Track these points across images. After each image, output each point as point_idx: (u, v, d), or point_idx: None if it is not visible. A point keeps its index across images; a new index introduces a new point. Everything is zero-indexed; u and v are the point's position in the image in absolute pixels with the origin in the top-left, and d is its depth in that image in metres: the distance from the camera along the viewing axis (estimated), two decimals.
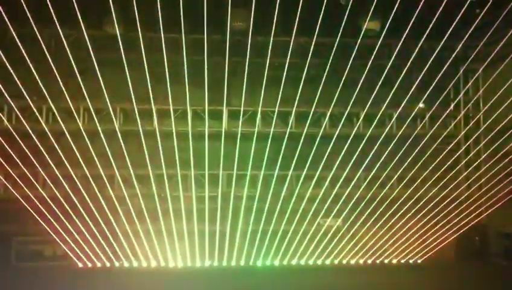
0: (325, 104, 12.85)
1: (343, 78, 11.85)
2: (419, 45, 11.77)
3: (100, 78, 11.13)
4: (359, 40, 11.67)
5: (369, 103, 12.73)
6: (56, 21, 10.08)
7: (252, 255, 13.36)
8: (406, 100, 12.69)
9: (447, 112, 14.01)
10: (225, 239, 13.19)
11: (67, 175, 11.98)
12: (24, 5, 9.50)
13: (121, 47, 10.99)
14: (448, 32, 11.19)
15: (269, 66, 11.87)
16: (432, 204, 12.98)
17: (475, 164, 13.77)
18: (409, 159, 12.74)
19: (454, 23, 10.99)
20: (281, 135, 12.80)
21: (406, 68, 12.05)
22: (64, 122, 11.83)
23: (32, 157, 11.41)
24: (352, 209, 13.09)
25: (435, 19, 10.78)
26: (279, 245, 13.32)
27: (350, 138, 12.63)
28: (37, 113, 11.94)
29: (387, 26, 11.43)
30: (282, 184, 13.13)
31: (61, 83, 11.00)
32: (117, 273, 12.54)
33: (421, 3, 10.51)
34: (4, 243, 12.74)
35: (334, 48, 11.54)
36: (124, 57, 10.97)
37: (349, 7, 10.89)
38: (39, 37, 10.52)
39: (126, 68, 11.09)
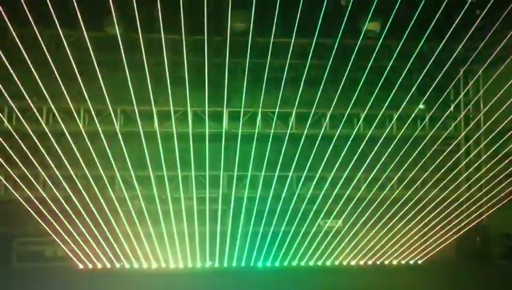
0: (326, 105, 12.89)
1: (344, 79, 11.87)
2: (419, 46, 11.78)
3: (100, 79, 11.13)
4: (359, 41, 11.68)
5: (369, 104, 12.74)
6: (56, 22, 10.09)
7: (253, 257, 13.35)
8: (406, 101, 12.71)
9: (447, 113, 14.01)
10: (226, 240, 13.18)
11: (68, 176, 11.97)
12: (24, 6, 9.50)
13: (122, 48, 10.99)
14: (448, 33, 11.20)
15: (269, 67, 11.87)
16: (432, 205, 12.97)
17: (475, 165, 13.77)
18: (409, 160, 12.74)
19: (454, 25, 11.01)
20: (282, 136, 12.80)
21: (406, 69, 12.08)
22: (64, 123, 11.82)
23: (32, 158, 11.42)
24: (352, 210, 13.08)
25: (435, 20, 10.80)
26: (279, 246, 13.31)
27: (350, 139, 12.64)
28: (37, 114, 11.93)
29: (387, 28, 11.46)
30: (282, 185, 13.12)
31: (61, 84, 11.00)
32: (118, 275, 12.53)
33: (421, 5, 10.54)
34: (5, 244, 12.73)
35: (335, 49, 11.55)
36: (124, 58, 10.96)
37: (349, 8, 10.93)
38: (39, 38, 10.51)
39: (126, 69, 11.08)
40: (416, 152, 12.80)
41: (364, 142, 12.63)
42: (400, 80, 12.06)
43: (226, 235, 13.16)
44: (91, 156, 11.69)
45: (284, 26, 11.40)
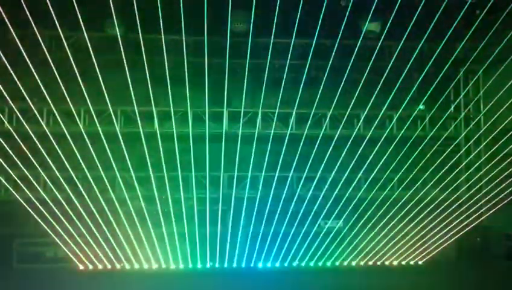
0: (326, 106, 12.89)
1: (344, 80, 11.86)
2: (420, 46, 11.79)
3: (101, 80, 11.14)
4: (359, 42, 11.69)
5: (369, 105, 12.74)
6: (57, 23, 10.10)
7: (253, 257, 13.34)
8: (406, 102, 12.71)
9: (447, 113, 14.02)
10: (226, 241, 13.18)
11: (68, 177, 11.98)
12: (25, 7, 9.51)
13: (122, 49, 11.00)
14: (448, 33, 11.20)
15: (269, 67, 11.90)
16: (432, 205, 12.97)
17: (475, 165, 13.76)
18: (410, 161, 12.74)
19: (454, 25, 11.01)
20: (282, 136, 12.80)
21: (406, 70, 12.08)
22: (65, 124, 11.83)
23: (33, 159, 11.42)
24: (353, 210, 13.08)
25: (435, 21, 10.80)
26: (280, 247, 13.32)
27: (350, 140, 12.64)
28: (37, 115, 11.94)
29: (387, 28, 11.47)
30: (282, 186, 13.12)
31: (61, 85, 11.01)
32: (118, 275, 12.53)
33: (421, 5, 10.55)
34: (5, 245, 12.75)
35: (335, 50, 11.55)
36: (124, 59, 10.97)
37: (349, 9, 10.93)
38: (40, 39, 10.52)
39: (127, 70, 11.10)
40: (416, 153, 12.80)
41: (364, 143, 12.63)
42: (400, 80, 12.05)
43: (226, 236, 13.16)
44: (91, 157, 11.69)
45: (284, 26, 11.39)
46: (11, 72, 10.38)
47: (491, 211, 13.13)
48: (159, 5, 10.20)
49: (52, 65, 10.73)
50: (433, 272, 13.13)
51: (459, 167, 13.80)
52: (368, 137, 12.82)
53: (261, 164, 12.77)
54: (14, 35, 10.24)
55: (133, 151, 12.39)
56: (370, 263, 13.76)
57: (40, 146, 11.41)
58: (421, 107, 13.72)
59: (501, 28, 11.22)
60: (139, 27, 10.71)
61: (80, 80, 11.12)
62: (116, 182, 12.54)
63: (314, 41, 11.45)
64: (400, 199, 12.97)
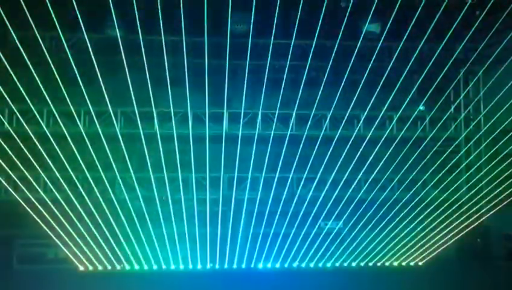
0: (326, 107, 12.88)
1: (344, 80, 11.86)
2: (420, 47, 11.79)
3: (101, 81, 11.15)
4: (359, 43, 11.69)
5: (369, 105, 12.74)
6: (57, 24, 10.10)
7: (253, 258, 13.35)
8: (406, 102, 12.71)
9: (448, 114, 14.02)
10: (227, 241, 13.19)
11: (69, 178, 11.99)
12: (25, 8, 9.52)
13: (122, 50, 11.00)
14: (449, 34, 11.20)
15: (269, 68, 11.90)
16: (433, 206, 12.97)
17: (476, 166, 13.76)
18: (410, 162, 12.74)
19: (454, 25, 11.01)
20: (282, 137, 12.79)
21: (406, 70, 12.08)
22: (65, 125, 11.84)
23: (33, 160, 11.43)
24: (353, 211, 13.08)
25: (435, 21, 10.80)
26: (280, 248, 13.32)
27: (351, 140, 12.64)
28: (37, 116, 11.95)
29: (387, 29, 11.46)
30: (283, 187, 13.12)
31: (62, 86, 11.02)
32: (118, 276, 12.53)
33: (421, 6, 10.55)
34: (6, 246, 12.76)
35: (335, 50, 11.55)
36: (124, 60, 10.98)
37: (349, 9, 10.94)
38: (40, 40, 10.52)
39: (127, 71, 11.10)
40: (416, 153, 12.80)
41: (364, 144, 12.62)
42: (400, 81, 12.06)
43: (226, 237, 13.16)
44: (91, 157, 11.70)
45: (284, 27, 11.40)
46: (11, 73, 10.39)
47: (491, 212, 13.12)
48: (159, 6, 10.21)
49: (52, 66, 10.73)
50: (433, 273, 13.12)
51: (459, 168, 13.78)
52: (368, 138, 12.81)
53: (261, 164, 12.76)
54: (14, 36, 10.24)
55: (133, 152, 12.39)
56: (370, 264, 13.75)
57: (40, 147, 11.41)
58: (421, 108, 13.71)
59: (501, 28, 11.22)
60: (139, 28, 10.72)
61: (80, 81, 11.12)
62: (116, 183, 12.55)
63: (314, 42, 11.45)
64: (400, 200, 12.97)
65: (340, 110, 12.92)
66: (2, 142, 11.07)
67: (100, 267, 12.76)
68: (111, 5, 10.17)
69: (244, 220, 13.20)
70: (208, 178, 12.88)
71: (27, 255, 12.99)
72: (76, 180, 12.09)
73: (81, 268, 12.71)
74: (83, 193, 12.12)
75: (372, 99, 12.42)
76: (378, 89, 12.11)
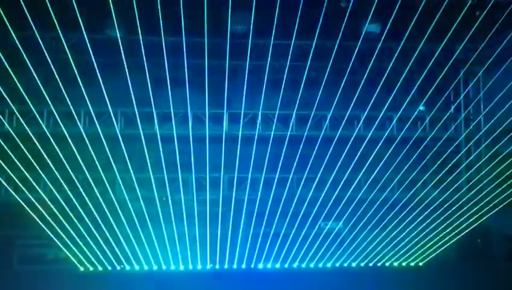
0: (326, 107, 12.87)
1: (344, 81, 11.86)
2: (420, 47, 11.79)
3: (101, 82, 11.15)
4: (359, 43, 11.68)
5: (369, 106, 12.73)
6: (57, 24, 10.10)
7: (253, 258, 13.34)
8: (406, 103, 12.71)
9: (448, 114, 14.02)
10: (227, 242, 13.18)
11: (69, 178, 11.99)
12: (25, 9, 9.52)
13: (122, 50, 11.00)
14: (449, 34, 11.20)
15: (269, 68, 11.90)
16: (433, 206, 12.97)
17: (476, 166, 13.76)
18: (410, 162, 12.74)
19: (454, 26, 11.01)
20: (282, 137, 12.79)
21: (406, 71, 12.07)
22: (65, 126, 11.85)
23: (33, 161, 11.43)
24: (353, 211, 13.08)
25: (435, 22, 10.79)
26: (280, 248, 13.32)
27: (351, 141, 12.64)
28: (38, 117, 11.95)
29: (387, 29, 11.46)
30: (283, 187, 13.12)
31: (62, 87, 11.02)
32: (118, 277, 12.54)
33: (421, 6, 10.55)
34: (6, 246, 12.77)
35: (335, 51, 11.55)
36: (124, 60, 10.98)
37: (349, 10, 10.93)
38: (40, 41, 10.52)
39: (127, 71, 11.11)
40: (416, 153, 12.81)
41: (364, 144, 12.62)
42: (400, 81, 12.05)
43: (226, 237, 13.16)
44: (92, 158, 11.69)
45: (284, 27, 11.39)
46: (11, 73, 10.39)
47: (492, 212, 13.11)
48: (159, 7, 10.21)
49: (52, 66, 10.74)
50: (434, 273, 13.12)
51: (459, 168, 13.78)
52: (368, 138, 12.81)
53: (261, 165, 12.76)
54: (14, 36, 10.24)
55: (133, 152, 12.38)
56: (370, 264, 13.75)
57: (40, 147, 11.41)
58: (421, 108, 13.71)
59: (501, 28, 11.21)
60: (139, 29, 10.72)
61: (80, 82, 11.12)
62: (117, 184, 12.54)
63: (314, 43, 11.45)
64: (400, 200, 12.97)
65: (340, 110, 12.91)
66: (2, 143, 11.09)
67: (100, 268, 12.78)
68: (111, 5, 10.17)
69: (244, 221, 13.21)
70: (208, 178, 12.90)
71: (27, 256, 13.00)
72: (76, 181, 12.08)
73: (81, 269, 12.71)
74: (83, 193, 12.10)
75: (372, 100, 12.41)
76: (378, 89, 12.11)
